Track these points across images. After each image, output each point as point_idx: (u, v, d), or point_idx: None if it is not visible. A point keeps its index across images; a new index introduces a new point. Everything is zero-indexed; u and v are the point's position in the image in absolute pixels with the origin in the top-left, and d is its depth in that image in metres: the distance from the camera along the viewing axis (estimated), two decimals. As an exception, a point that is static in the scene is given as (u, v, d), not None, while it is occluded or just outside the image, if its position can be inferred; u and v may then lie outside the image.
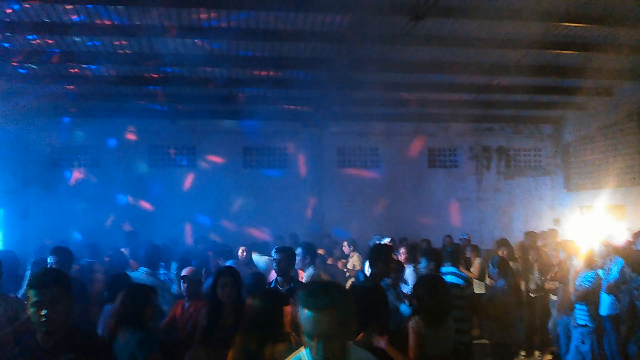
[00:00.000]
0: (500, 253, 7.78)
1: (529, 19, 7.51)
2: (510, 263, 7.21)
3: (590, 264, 6.35)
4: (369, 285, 4.81)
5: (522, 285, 7.66)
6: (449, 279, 5.48)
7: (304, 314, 2.10)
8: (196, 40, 8.27)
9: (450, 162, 13.84)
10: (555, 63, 9.77)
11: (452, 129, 13.53)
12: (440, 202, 13.26)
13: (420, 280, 4.55)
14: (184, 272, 5.26)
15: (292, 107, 12.03)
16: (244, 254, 7.91)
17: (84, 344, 2.94)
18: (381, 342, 4.10)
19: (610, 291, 6.26)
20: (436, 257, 5.95)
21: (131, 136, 12.51)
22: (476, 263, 8.45)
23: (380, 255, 4.98)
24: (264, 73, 9.94)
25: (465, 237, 10.66)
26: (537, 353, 8.00)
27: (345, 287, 2.13)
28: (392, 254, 5.47)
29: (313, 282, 4.93)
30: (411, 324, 4.10)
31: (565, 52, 8.95)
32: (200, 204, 12.27)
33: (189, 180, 12.64)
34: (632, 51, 8.98)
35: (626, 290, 5.84)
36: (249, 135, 12.96)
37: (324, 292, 2.16)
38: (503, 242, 8.63)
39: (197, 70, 9.65)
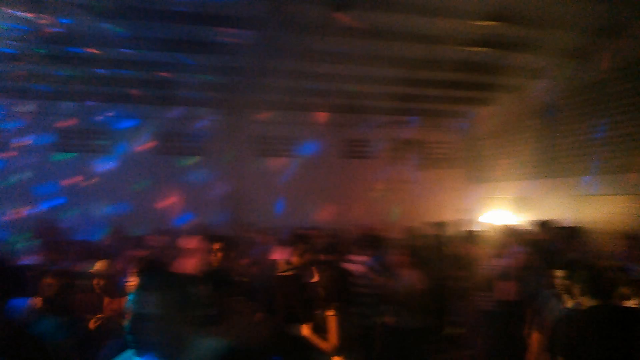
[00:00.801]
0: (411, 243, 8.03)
1: (448, 16, 7.79)
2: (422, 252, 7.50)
3: (497, 253, 6.72)
4: (289, 273, 4.83)
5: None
6: (357, 267, 5.61)
7: (139, 293, 2.03)
8: (113, 21, 7.86)
9: (366, 153, 14.12)
10: (469, 60, 10.19)
11: (369, 121, 13.79)
12: (356, 192, 13.47)
13: (324, 270, 4.63)
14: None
15: (209, 93, 11.74)
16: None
17: None
18: (304, 330, 4.15)
19: (508, 279, 6.61)
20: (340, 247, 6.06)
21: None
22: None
23: (301, 243, 5.03)
24: (180, 57, 9.61)
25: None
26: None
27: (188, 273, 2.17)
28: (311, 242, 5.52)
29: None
30: (328, 311, 4.17)
31: (479, 49, 9.36)
32: (112, 192, 11.75)
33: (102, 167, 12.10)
34: (539, 51, 9.58)
35: (526, 278, 6.19)
36: (165, 122, 12.57)
37: (167, 274, 2.16)
38: (415, 232, 8.95)
39: (110, 51, 9.18)
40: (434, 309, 7.48)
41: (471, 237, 7.43)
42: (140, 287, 2.06)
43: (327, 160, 13.60)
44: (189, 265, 6.05)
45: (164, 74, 10.44)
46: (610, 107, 9.80)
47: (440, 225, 9.90)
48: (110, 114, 12.41)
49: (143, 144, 12.63)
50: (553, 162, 11.27)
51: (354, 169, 13.86)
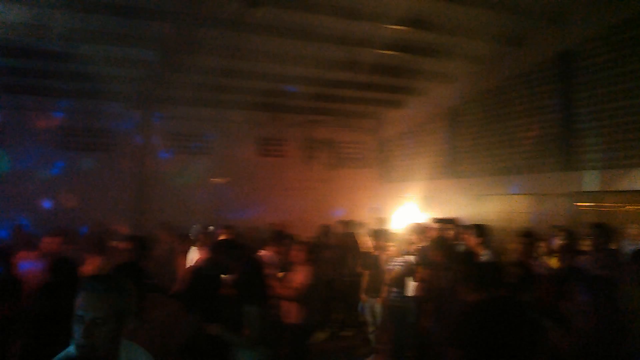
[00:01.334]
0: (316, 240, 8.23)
1: (363, 19, 7.93)
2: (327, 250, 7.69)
3: (402, 250, 6.92)
4: (209, 273, 4.77)
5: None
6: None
7: (80, 296, 2.00)
8: (17, 8, 7.26)
9: (279, 151, 14.07)
10: (381, 62, 10.44)
11: (282, 120, 13.74)
12: (268, 190, 13.38)
13: (239, 266, 4.64)
14: None
15: (117, 86, 11.19)
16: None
17: None
18: (213, 329, 4.10)
19: (418, 275, 6.82)
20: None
21: None
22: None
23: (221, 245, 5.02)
24: (90, 48, 9.05)
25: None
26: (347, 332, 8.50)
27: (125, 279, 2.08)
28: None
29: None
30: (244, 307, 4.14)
31: (391, 52, 9.61)
32: (12, 188, 10.89)
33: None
34: (447, 57, 10.00)
35: (433, 274, 6.41)
36: (69, 115, 11.82)
37: (106, 278, 2.15)
38: (323, 230, 9.08)
39: (15, 40, 8.50)
40: (319, 306, 7.65)
41: (381, 234, 7.59)
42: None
43: (242, 158, 13.39)
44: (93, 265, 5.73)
45: (73, 65, 9.77)
46: (508, 112, 10.43)
47: (352, 223, 10.06)
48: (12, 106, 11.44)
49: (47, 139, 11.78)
50: (457, 163, 11.82)
51: (269, 168, 13.76)
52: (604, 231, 5.46)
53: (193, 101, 12.14)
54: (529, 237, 5.58)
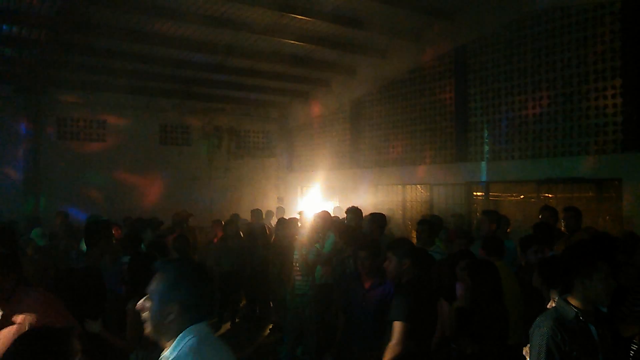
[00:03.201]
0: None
1: (267, 8, 7.91)
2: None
3: (310, 239, 7.00)
4: (84, 265, 4.48)
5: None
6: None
7: None
8: None
9: (182, 140, 13.69)
10: (286, 52, 10.47)
11: (184, 107, 13.38)
12: (172, 180, 13.00)
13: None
14: None
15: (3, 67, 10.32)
16: None
17: None
18: (93, 326, 3.78)
19: (325, 263, 6.96)
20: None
21: None
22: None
23: (97, 233, 4.71)
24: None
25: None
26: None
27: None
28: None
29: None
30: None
31: (297, 43, 9.65)
32: None
33: None
34: (351, 49, 10.24)
35: (339, 261, 6.58)
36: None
37: None
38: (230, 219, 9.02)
39: None
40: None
41: (288, 223, 7.64)
42: None
43: (142, 146, 12.84)
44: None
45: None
46: (407, 105, 10.89)
47: (259, 212, 10.05)
48: None
49: None
50: (359, 154, 12.17)
51: (172, 156, 13.34)
52: (492, 218, 5.89)
53: (88, 85, 11.49)
54: (425, 224, 5.87)
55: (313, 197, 12.60)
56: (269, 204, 13.21)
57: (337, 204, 11.39)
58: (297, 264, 6.62)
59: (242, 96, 13.57)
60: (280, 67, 11.23)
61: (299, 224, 8.06)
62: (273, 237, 8.36)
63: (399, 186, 10.94)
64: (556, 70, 8.11)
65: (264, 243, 8.43)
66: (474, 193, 9.49)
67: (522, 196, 8.69)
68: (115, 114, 12.44)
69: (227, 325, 8.24)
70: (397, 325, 3.46)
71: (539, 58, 8.37)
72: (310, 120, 13.89)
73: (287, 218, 8.29)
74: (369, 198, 10.90)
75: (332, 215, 8.29)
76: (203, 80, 11.86)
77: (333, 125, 13.09)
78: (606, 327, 2.56)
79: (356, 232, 6.16)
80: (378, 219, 6.29)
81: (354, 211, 7.35)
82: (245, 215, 10.54)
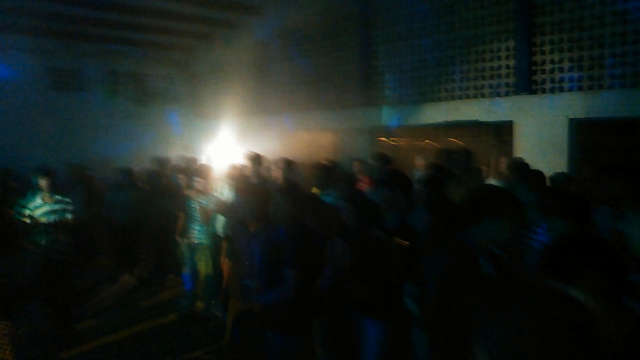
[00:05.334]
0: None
1: None
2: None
3: (210, 187, 6.83)
4: None
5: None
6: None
7: None
8: None
9: (75, 84, 12.71)
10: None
11: (77, 48, 12.35)
12: (65, 128, 12.10)
13: None
14: None
15: None
16: None
17: None
18: None
19: (222, 211, 6.83)
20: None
21: None
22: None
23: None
24: None
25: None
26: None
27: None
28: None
29: None
30: None
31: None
32: None
33: None
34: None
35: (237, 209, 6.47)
36: None
37: None
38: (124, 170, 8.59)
39: None
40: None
41: (192, 173, 7.37)
42: None
43: (26, 91, 11.77)
44: None
45: None
46: (313, 48, 10.68)
47: (162, 161, 9.65)
48: None
49: None
50: (265, 100, 11.90)
51: (65, 102, 12.39)
52: (384, 161, 5.99)
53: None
54: (319, 169, 5.85)
55: (219, 145, 12.26)
56: (173, 152, 12.68)
57: (244, 151, 11.15)
58: (195, 214, 6.45)
59: (142, 38, 12.64)
60: (184, 6, 10.53)
61: (203, 173, 7.82)
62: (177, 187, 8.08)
63: (305, 131, 10.87)
64: (454, 13, 8.19)
65: (166, 194, 8.11)
66: (378, 138, 9.59)
67: (423, 141, 8.90)
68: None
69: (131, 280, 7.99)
70: (287, 271, 3.50)
71: (439, 0, 8.40)
72: (216, 65, 13.33)
73: (191, 167, 8.03)
74: (276, 144, 10.75)
75: (237, 163, 8.13)
76: (97, 19, 10.93)
77: (238, 70, 12.62)
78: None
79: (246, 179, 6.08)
80: (283, 164, 6.27)
81: (252, 158, 7.25)
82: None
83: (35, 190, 5.70)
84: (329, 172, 5.74)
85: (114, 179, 8.77)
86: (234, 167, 7.66)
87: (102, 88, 13.00)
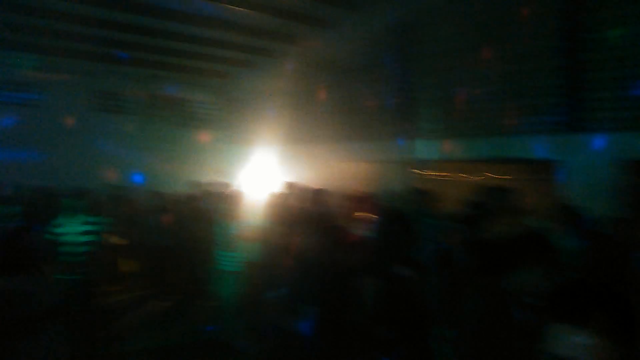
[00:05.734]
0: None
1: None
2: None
3: (242, 214, 6.77)
4: None
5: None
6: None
7: None
8: None
9: (115, 106, 13.03)
10: (233, 20, 10.00)
11: (120, 72, 12.71)
12: (106, 148, 12.38)
13: None
14: None
15: None
16: None
17: None
18: None
19: (254, 239, 6.73)
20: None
21: None
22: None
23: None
24: None
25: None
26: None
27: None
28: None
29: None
30: None
31: (243, 10, 9.23)
32: None
33: None
34: (292, 18, 9.88)
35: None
36: None
37: None
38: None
39: None
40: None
41: (229, 198, 7.35)
42: None
43: (74, 112, 12.15)
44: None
45: None
46: (351, 78, 10.65)
47: (193, 185, 9.70)
48: None
49: None
50: (302, 129, 11.89)
51: (102, 124, 12.70)
52: (420, 195, 5.81)
53: (15, 45, 10.73)
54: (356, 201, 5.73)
55: (254, 171, 12.27)
56: (209, 176, 12.73)
57: (281, 180, 11.13)
58: (229, 240, 6.38)
59: (181, 64, 12.93)
60: (224, 34, 10.74)
61: (240, 199, 7.80)
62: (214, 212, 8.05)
63: (340, 162, 10.78)
64: (497, 47, 8.02)
65: (198, 219, 8.10)
66: (415, 171, 9.40)
67: (460, 175, 8.66)
68: (39, 76, 11.71)
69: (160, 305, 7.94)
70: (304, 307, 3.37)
71: (481, 35, 8.25)
72: (254, 92, 13.45)
73: (229, 193, 8.01)
74: (312, 174, 10.68)
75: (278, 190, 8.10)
76: (139, 45, 11.23)
77: (275, 98, 12.70)
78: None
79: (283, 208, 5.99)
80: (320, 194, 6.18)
81: (288, 186, 7.19)
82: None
83: (69, 210, 5.74)
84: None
85: (147, 202, 8.84)
86: (271, 195, 7.60)
87: (141, 111, 13.27)
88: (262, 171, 12.07)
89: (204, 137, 14.31)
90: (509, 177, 7.83)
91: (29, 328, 3.14)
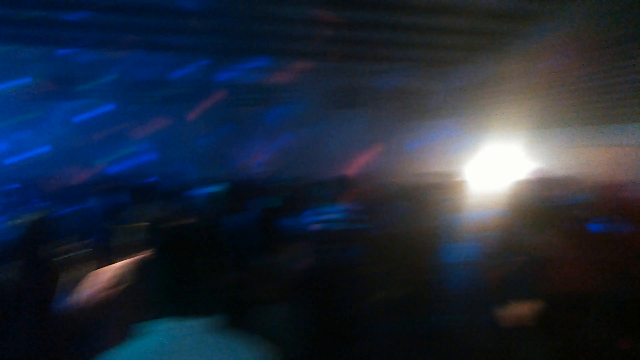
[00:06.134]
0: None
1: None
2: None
3: (469, 205, 6.36)
4: None
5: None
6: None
7: None
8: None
9: (347, 102, 13.50)
10: (467, 5, 9.50)
11: (348, 68, 13.12)
12: (341, 143, 12.93)
13: None
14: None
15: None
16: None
17: None
18: None
19: (487, 230, 6.25)
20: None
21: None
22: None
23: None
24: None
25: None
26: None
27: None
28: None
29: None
30: None
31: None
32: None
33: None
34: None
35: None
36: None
37: None
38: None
39: None
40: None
41: (448, 188, 7.01)
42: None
43: (314, 110, 13.01)
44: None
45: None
46: (595, 57, 9.25)
47: (418, 175, 9.52)
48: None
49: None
50: (541, 114, 10.72)
51: (339, 120, 13.28)
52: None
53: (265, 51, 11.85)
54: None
55: (487, 160, 11.51)
56: (441, 168, 12.39)
57: (525, 168, 10.24)
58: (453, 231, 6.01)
59: (407, 55, 12.78)
60: (454, 20, 10.24)
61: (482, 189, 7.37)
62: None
63: (583, 147, 9.48)
64: None
65: (424, 209, 7.86)
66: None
67: None
68: (278, 77, 12.73)
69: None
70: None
71: None
72: (486, 78, 12.57)
73: (465, 182, 7.65)
74: (555, 161, 9.59)
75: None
76: (380, 40, 11.40)
77: (510, 82, 11.64)
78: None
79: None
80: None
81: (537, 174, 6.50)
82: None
83: (322, 199, 5.98)
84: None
85: (387, 191, 8.91)
86: (509, 184, 7.03)
87: (378, 105, 13.52)
88: (497, 159, 11.29)
89: (435, 126, 13.97)
90: None
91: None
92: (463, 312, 5.92)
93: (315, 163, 11.80)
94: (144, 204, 3.94)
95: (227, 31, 10.27)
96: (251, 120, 12.66)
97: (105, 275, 2.90)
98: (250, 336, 1.68)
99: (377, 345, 5.55)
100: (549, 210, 4.64)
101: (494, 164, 11.04)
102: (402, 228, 7.78)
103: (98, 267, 3.03)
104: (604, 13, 9.01)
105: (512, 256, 4.22)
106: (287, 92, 13.02)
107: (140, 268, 2.71)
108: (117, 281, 2.72)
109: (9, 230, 3.91)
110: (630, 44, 8.66)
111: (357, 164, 12.20)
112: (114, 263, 2.93)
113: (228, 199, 5.37)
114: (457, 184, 7.60)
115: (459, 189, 7.06)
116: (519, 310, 3.55)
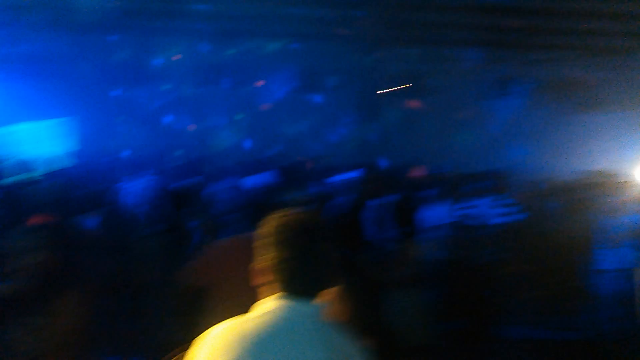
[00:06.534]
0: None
1: None
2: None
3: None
4: None
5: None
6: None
7: None
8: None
9: (508, 92, 12.99)
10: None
11: (512, 57, 12.64)
12: (495, 135, 12.52)
13: None
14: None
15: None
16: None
17: None
18: None
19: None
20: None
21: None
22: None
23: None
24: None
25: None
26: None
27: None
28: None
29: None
30: None
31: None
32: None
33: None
34: None
35: None
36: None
37: None
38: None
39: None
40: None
41: (607, 188, 6.55)
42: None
43: (467, 100, 12.75)
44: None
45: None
46: None
47: (581, 173, 8.89)
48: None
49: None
50: None
51: (496, 110, 12.88)
52: None
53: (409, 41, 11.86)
54: None
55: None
56: (615, 165, 11.38)
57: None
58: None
59: (578, 42, 11.93)
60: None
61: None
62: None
63: None
64: None
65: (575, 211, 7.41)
66: None
67: None
68: (434, 67, 12.65)
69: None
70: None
71: None
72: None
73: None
74: None
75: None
76: (531, 27, 10.87)
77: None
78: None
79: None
80: None
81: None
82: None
83: (480, 190, 6.00)
84: None
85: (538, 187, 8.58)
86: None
87: (533, 95, 12.87)
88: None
89: (599, 119, 12.89)
90: None
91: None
92: (614, 323, 5.57)
93: (464, 154, 11.63)
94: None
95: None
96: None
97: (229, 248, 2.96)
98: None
99: (509, 350, 5.43)
100: None
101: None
102: (553, 228, 7.45)
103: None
104: None
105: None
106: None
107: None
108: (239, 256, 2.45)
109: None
110: None
111: (508, 157, 11.70)
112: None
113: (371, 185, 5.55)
114: (620, 184, 7.07)
115: (620, 190, 6.59)
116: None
